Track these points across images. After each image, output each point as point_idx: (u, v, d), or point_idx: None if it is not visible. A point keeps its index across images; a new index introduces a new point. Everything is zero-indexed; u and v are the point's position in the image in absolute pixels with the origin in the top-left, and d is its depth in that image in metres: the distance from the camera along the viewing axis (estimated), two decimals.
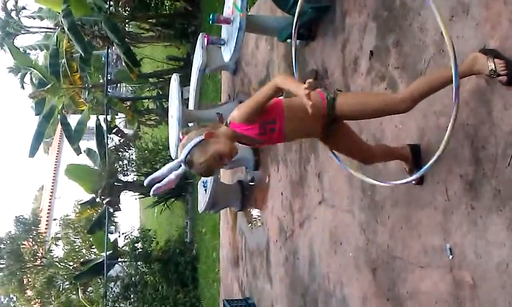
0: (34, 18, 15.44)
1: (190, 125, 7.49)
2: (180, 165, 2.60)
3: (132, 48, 12.37)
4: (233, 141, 2.63)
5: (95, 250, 17.66)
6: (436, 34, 3.19)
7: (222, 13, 5.70)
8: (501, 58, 2.55)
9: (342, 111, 2.69)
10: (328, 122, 2.74)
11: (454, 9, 3.02)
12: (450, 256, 2.99)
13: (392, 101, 2.76)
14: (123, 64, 12.59)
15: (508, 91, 2.57)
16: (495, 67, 2.53)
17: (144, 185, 2.79)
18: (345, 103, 2.69)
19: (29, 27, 15.69)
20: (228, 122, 2.62)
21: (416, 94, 2.64)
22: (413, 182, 3.23)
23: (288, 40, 5.43)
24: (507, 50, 2.58)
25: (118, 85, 20.01)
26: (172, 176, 2.61)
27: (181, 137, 2.62)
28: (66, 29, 10.49)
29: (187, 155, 2.53)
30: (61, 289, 17.48)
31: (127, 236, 15.06)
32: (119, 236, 15.90)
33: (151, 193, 2.79)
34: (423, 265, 3.28)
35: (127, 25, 14.05)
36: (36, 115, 14.50)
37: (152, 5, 12.99)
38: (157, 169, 11.04)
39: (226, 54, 5.65)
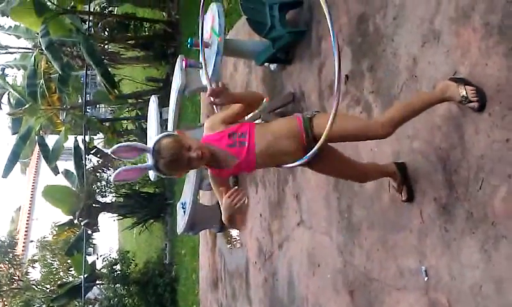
0: (10, 34, 15.30)
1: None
2: (147, 151, 2.48)
3: (111, 68, 12.37)
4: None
5: (73, 272, 17.42)
6: (409, 60, 3.26)
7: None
8: (471, 85, 2.62)
9: (321, 131, 2.51)
10: (309, 143, 2.62)
11: (425, 36, 3.10)
12: (426, 278, 3.02)
13: (372, 124, 2.76)
14: (102, 85, 12.58)
15: (479, 116, 2.64)
16: (467, 93, 2.59)
17: (109, 152, 2.63)
18: (323, 122, 2.52)
19: (7, 47, 15.57)
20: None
21: (397, 119, 2.64)
22: (403, 199, 3.21)
23: (266, 64, 5.51)
24: (477, 76, 2.66)
25: (97, 105, 19.91)
26: (138, 166, 2.53)
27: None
28: (44, 48, 10.45)
29: (156, 142, 2.45)
30: None
31: (105, 258, 14.90)
32: (97, 259, 15.73)
33: (112, 178, 2.68)
34: (399, 287, 3.31)
35: (106, 46, 14.05)
36: (12, 134, 14.34)
37: (131, 26, 13.03)
38: (135, 191, 10.87)
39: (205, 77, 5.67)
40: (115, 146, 2.50)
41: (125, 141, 14.89)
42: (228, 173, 2.69)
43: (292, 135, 2.63)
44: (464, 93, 2.60)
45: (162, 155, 2.43)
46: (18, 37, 14.99)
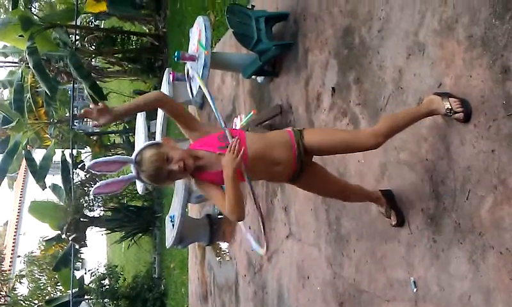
0: None
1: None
2: (129, 162, 2.48)
3: (98, 82, 12.30)
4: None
5: (61, 287, 17.29)
6: (394, 72, 3.29)
7: (187, 50, 5.75)
8: (455, 97, 2.64)
9: (311, 142, 2.63)
10: (299, 155, 2.64)
11: (410, 48, 3.13)
12: (415, 289, 3.03)
13: (361, 135, 2.75)
14: (89, 98, 12.50)
15: (464, 127, 2.66)
16: (451, 106, 2.62)
17: (86, 167, 2.63)
18: (313, 134, 2.68)
19: None
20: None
21: (386, 131, 2.62)
22: (393, 224, 3.20)
23: (253, 76, 5.52)
24: (462, 88, 2.68)
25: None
26: (120, 178, 2.52)
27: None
28: (31, 67, 10.39)
29: (138, 153, 2.45)
30: None
31: (94, 273, 14.78)
32: (85, 273, 15.62)
33: (91, 192, 2.68)
34: (389, 298, 3.31)
35: (93, 60, 14.00)
36: (0, 153, 14.23)
37: (118, 40, 13.02)
38: (123, 204, 10.82)
39: (192, 90, 5.68)
40: (92, 161, 2.50)
41: (113, 155, 14.89)
42: (215, 176, 2.56)
43: (284, 144, 2.63)
44: (448, 105, 2.62)
45: (144, 168, 2.45)
46: (6, 55, 14.93)
